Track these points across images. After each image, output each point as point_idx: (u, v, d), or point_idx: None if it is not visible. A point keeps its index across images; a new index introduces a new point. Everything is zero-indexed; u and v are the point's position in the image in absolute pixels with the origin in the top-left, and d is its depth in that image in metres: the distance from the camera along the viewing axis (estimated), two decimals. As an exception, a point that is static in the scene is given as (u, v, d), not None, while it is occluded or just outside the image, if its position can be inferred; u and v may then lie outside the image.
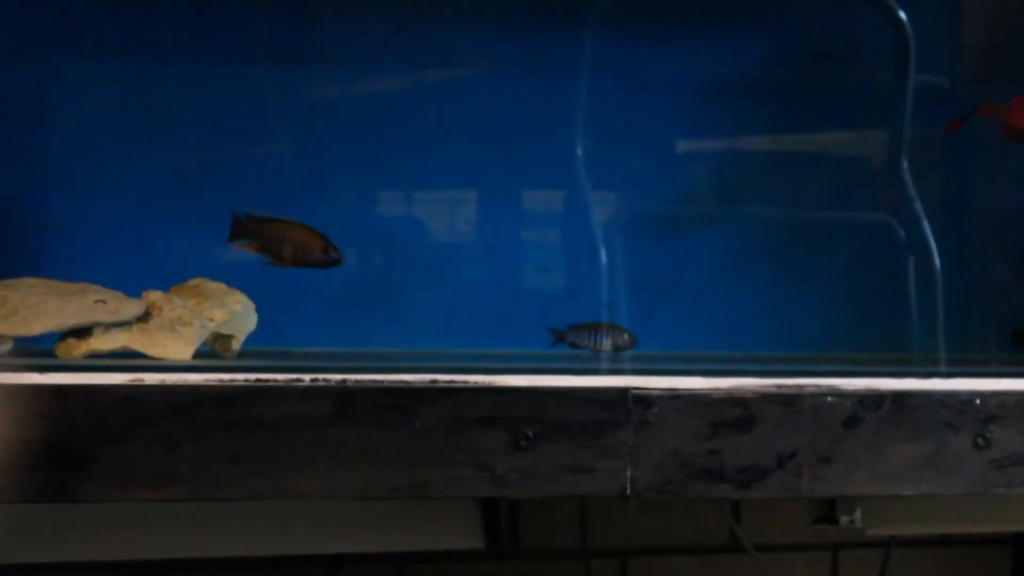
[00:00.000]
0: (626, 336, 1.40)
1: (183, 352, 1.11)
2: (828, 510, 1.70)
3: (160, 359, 1.10)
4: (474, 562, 1.63)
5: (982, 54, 1.69)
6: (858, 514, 1.69)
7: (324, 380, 0.93)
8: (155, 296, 1.14)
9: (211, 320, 1.16)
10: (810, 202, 1.63)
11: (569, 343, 1.39)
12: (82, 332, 1.10)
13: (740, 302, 1.59)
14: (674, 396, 0.98)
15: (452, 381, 0.95)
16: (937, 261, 1.58)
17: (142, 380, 0.91)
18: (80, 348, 1.10)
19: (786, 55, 1.63)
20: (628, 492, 0.97)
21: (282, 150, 1.52)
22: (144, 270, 1.43)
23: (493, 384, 0.95)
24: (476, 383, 0.95)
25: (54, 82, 1.47)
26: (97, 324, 1.09)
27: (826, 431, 1.00)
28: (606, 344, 1.39)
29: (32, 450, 0.88)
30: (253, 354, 1.23)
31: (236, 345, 1.21)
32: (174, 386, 0.91)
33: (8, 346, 1.09)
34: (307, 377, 0.93)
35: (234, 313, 1.18)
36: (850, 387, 1.01)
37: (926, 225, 1.58)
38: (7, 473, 0.88)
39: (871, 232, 1.62)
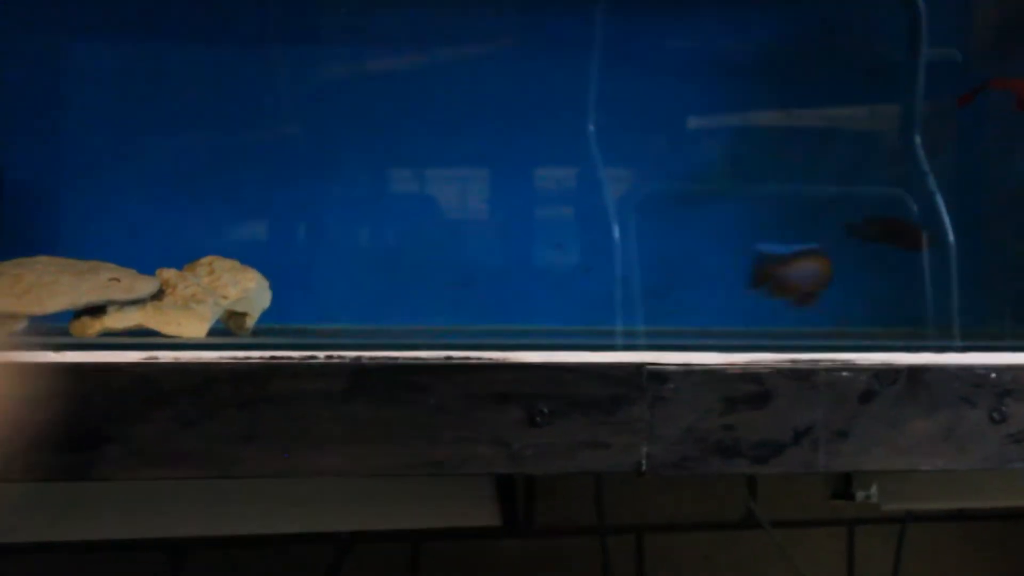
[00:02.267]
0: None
1: (197, 330, 1.11)
2: (844, 485, 1.70)
3: (174, 337, 1.10)
4: (490, 539, 1.63)
5: (995, 27, 1.69)
6: (874, 489, 1.69)
7: (339, 357, 0.93)
8: (169, 274, 1.14)
9: (225, 298, 1.16)
10: (823, 178, 1.63)
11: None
12: (96, 310, 1.10)
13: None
14: (689, 371, 0.98)
15: (467, 357, 0.95)
16: (951, 235, 1.57)
17: (156, 358, 0.91)
18: (94, 326, 1.10)
19: (797, 31, 1.62)
20: (643, 468, 0.97)
21: (293, 131, 1.52)
22: (156, 248, 1.44)
23: (508, 360, 0.95)
24: (491, 359, 0.95)
25: (63, 62, 1.47)
26: (111, 302, 1.10)
27: (842, 406, 1.00)
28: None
29: (47, 429, 0.88)
30: (267, 332, 1.23)
31: (250, 323, 1.21)
32: (188, 364, 0.91)
33: (22, 324, 1.09)
34: (321, 354, 0.93)
35: (248, 291, 1.18)
36: (865, 362, 1.01)
37: (940, 199, 1.58)
38: (22, 452, 0.88)
39: (885, 207, 1.62)
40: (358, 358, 0.93)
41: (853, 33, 1.63)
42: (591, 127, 1.54)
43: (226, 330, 1.21)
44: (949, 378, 1.02)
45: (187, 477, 0.91)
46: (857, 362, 1.01)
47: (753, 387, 0.99)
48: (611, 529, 1.66)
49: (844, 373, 1.00)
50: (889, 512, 1.72)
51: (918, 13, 1.59)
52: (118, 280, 1.10)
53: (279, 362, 0.92)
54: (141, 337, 1.08)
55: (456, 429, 0.94)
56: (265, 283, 1.20)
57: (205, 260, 1.19)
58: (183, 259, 1.19)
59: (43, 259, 1.10)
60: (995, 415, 1.02)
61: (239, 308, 1.19)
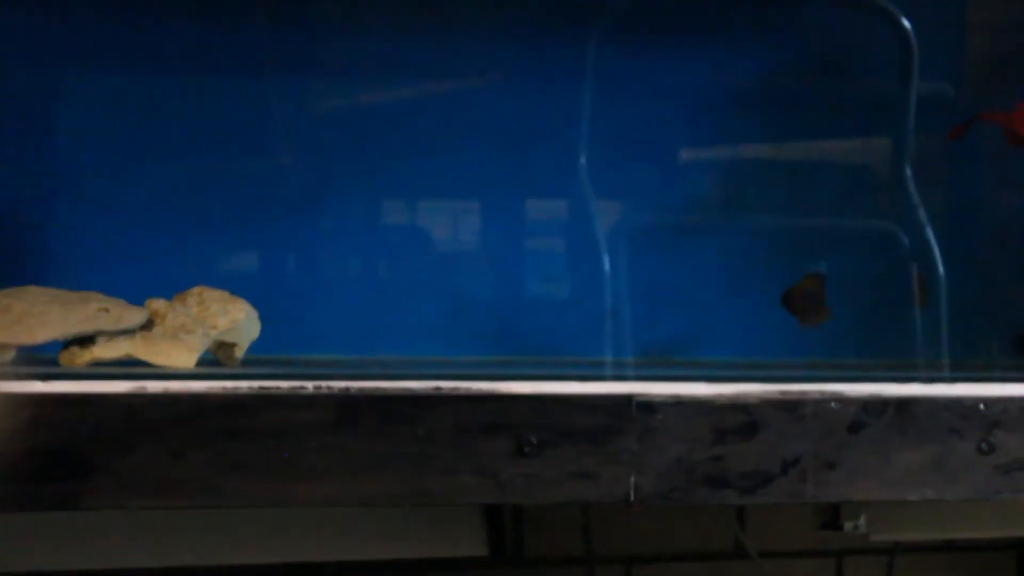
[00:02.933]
0: None
1: (186, 360, 1.11)
2: (832, 516, 1.70)
3: (163, 367, 1.10)
4: (478, 570, 1.63)
5: (986, 61, 1.69)
6: (862, 520, 1.69)
7: (327, 388, 0.93)
8: (158, 304, 1.14)
9: (214, 328, 1.16)
10: (814, 210, 1.63)
11: None
12: (85, 340, 1.10)
13: (744, 310, 1.59)
14: (678, 402, 0.98)
15: (456, 388, 0.95)
16: (941, 268, 1.57)
17: (145, 388, 0.91)
18: (83, 356, 1.10)
19: (790, 64, 1.63)
20: (632, 499, 0.97)
21: (285, 160, 1.52)
22: (145, 278, 1.43)
23: (497, 391, 0.95)
24: (480, 390, 0.95)
25: (57, 89, 1.47)
26: (100, 332, 1.10)
27: (830, 437, 1.00)
28: None
29: (36, 458, 0.88)
30: (256, 362, 1.23)
31: (239, 353, 1.21)
32: (177, 394, 0.91)
33: (11, 355, 1.09)
34: (310, 384, 0.93)
35: (237, 321, 1.18)
36: (854, 393, 1.01)
37: (930, 232, 1.58)
38: (11, 481, 0.88)
39: (875, 239, 1.62)
40: (347, 388, 0.93)
41: (844, 66, 1.64)
42: (582, 159, 1.54)
43: (215, 360, 1.21)
44: (938, 409, 1.02)
45: (175, 507, 0.91)
46: (846, 393, 1.01)
47: (742, 418, 0.99)
48: (600, 559, 1.66)
49: (833, 404, 1.00)
50: (877, 543, 1.72)
51: (910, 46, 1.59)
52: (107, 310, 1.10)
53: (268, 393, 0.92)
54: (130, 367, 1.08)
55: (445, 459, 0.94)
56: (254, 313, 1.20)
57: (194, 290, 1.19)
58: (172, 289, 1.19)
59: (32, 289, 1.10)
60: (983, 446, 1.03)
61: (228, 338, 1.19)
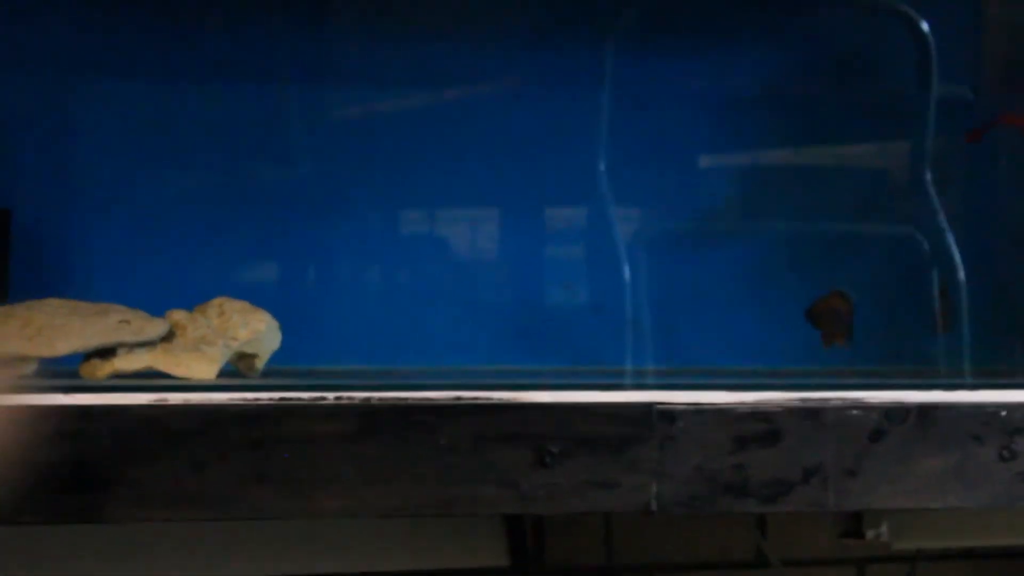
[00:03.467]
0: None
1: (207, 372, 1.11)
2: (854, 524, 1.70)
3: (184, 379, 1.10)
4: (499, 579, 1.63)
5: (1005, 64, 1.69)
6: (884, 528, 1.68)
7: (348, 398, 0.93)
8: (179, 316, 1.15)
9: (235, 339, 1.16)
10: (834, 215, 1.63)
11: None
12: (106, 352, 1.10)
13: (764, 317, 1.59)
14: (699, 411, 0.98)
15: (476, 398, 0.95)
16: (962, 273, 1.57)
17: (166, 400, 0.91)
18: (104, 368, 1.10)
19: (808, 68, 1.63)
20: (653, 507, 0.97)
21: (305, 169, 1.53)
22: (166, 290, 1.44)
23: (517, 400, 0.95)
24: (500, 400, 0.95)
25: (75, 98, 1.47)
26: (121, 344, 1.10)
27: (851, 444, 1.00)
28: None
29: (57, 471, 0.89)
30: (277, 373, 1.24)
31: (260, 364, 1.21)
32: (199, 406, 0.91)
33: (33, 367, 1.09)
34: (331, 395, 0.93)
35: (258, 332, 1.18)
36: (875, 400, 1.01)
37: (950, 236, 1.58)
38: (32, 494, 0.88)
39: (895, 244, 1.62)
40: (368, 399, 0.93)
41: (862, 70, 1.64)
42: (601, 165, 1.54)
43: (236, 372, 1.21)
44: (959, 416, 1.02)
45: (197, 519, 0.91)
46: (867, 400, 1.01)
47: (763, 426, 0.99)
48: (621, 569, 1.66)
49: (854, 411, 1.00)
50: (899, 551, 1.72)
51: (929, 49, 1.59)
52: (128, 322, 1.10)
53: (289, 403, 0.92)
54: (151, 379, 1.09)
55: (465, 469, 0.94)
56: (275, 324, 1.20)
57: (215, 302, 1.19)
58: (193, 301, 1.19)
59: (53, 302, 1.11)
60: (1005, 453, 1.02)
61: (249, 350, 1.19)
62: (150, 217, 1.47)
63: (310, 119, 1.53)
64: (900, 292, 1.62)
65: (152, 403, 0.91)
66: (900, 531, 1.69)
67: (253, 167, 1.51)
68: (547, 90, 1.56)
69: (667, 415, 0.97)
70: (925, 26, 1.59)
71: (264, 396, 0.92)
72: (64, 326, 1.07)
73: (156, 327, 1.11)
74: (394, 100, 1.55)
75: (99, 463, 0.89)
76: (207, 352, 1.12)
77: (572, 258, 1.59)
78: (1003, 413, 1.02)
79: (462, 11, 1.55)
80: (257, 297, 1.22)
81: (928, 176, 1.60)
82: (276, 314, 1.21)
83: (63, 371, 1.14)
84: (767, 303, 1.59)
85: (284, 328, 1.22)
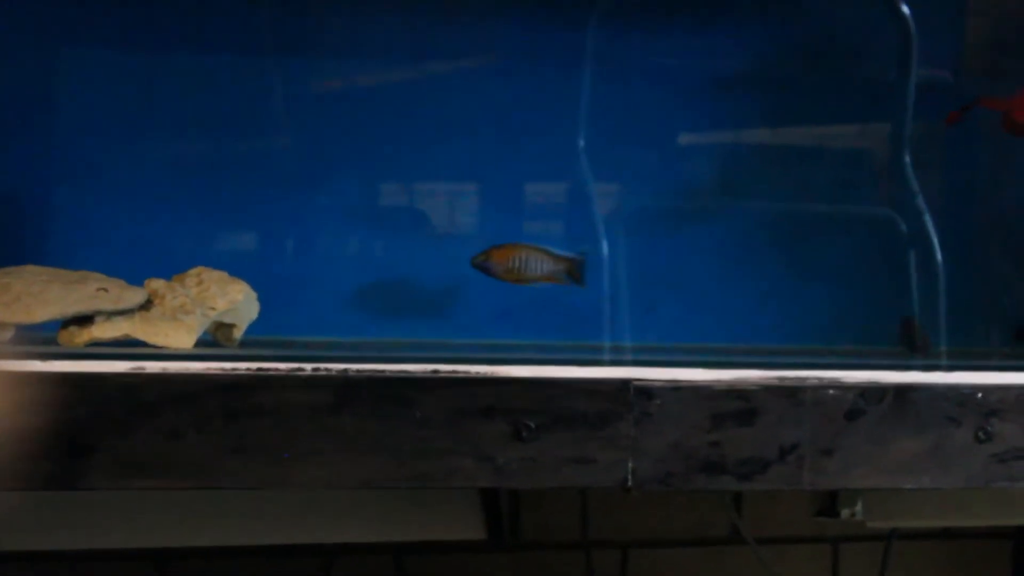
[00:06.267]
0: None
1: (185, 341, 1.11)
2: (829, 503, 1.70)
3: (162, 347, 1.10)
4: (474, 553, 1.63)
5: (986, 48, 1.69)
6: (859, 507, 1.69)
7: (325, 370, 0.93)
8: (157, 284, 1.14)
9: (213, 309, 1.16)
10: (812, 196, 1.63)
11: None
12: (84, 320, 1.10)
13: (743, 295, 1.59)
14: (676, 388, 0.98)
15: (454, 371, 0.95)
16: (939, 255, 1.57)
17: (144, 368, 0.91)
18: (82, 336, 1.10)
19: (788, 49, 1.63)
20: (629, 484, 0.97)
21: (284, 141, 1.52)
22: (144, 258, 1.43)
23: (495, 375, 0.95)
24: (478, 374, 0.95)
25: (55, 69, 1.47)
26: (99, 312, 1.10)
27: (828, 424, 1.00)
28: None
29: (34, 438, 0.88)
30: (255, 343, 1.23)
31: (238, 334, 1.21)
32: (176, 375, 0.91)
33: (10, 333, 1.09)
34: (308, 367, 0.93)
35: (236, 302, 1.18)
36: (852, 380, 1.01)
37: (928, 219, 1.58)
38: (9, 460, 0.88)
39: (873, 226, 1.62)
40: (345, 371, 0.93)
41: (844, 51, 1.64)
42: (581, 141, 1.54)
43: (214, 341, 1.21)
44: (935, 397, 1.02)
45: (174, 488, 0.91)
46: (844, 380, 1.01)
47: (740, 404, 0.99)
48: (596, 544, 1.66)
49: (831, 391, 1.00)
50: (874, 530, 1.72)
51: (909, 32, 1.59)
52: (106, 290, 1.10)
53: (266, 374, 0.92)
54: (129, 347, 1.08)
55: (442, 443, 0.94)
56: (253, 295, 1.20)
57: (193, 271, 1.19)
58: (171, 270, 1.19)
59: (31, 268, 1.10)
60: (981, 434, 1.03)
61: (227, 319, 1.19)
62: (129, 186, 1.47)
63: (290, 92, 1.52)
64: (878, 272, 1.62)
65: (129, 371, 0.90)
66: (875, 510, 1.69)
67: (233, 139, 1.50)
68: (529, 66, 1.56)
69: (644, 392, 0.97)
70: (906, 9, 1.59)
71: (241, 366, 0.92)
72: (42, 293, 1.07)
73: (134, 295, 1.11)
74: (374, 75, 1.55)
75: (76, 431, 0.89)
76: (185, 321, 1.12)
77: (551, 233, 1.59)
78: (979, 395, 1.03)
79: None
80: (235, 267, 1.21)
81: (908, 159, 1.60)
82: (254, 285, 1.21)
83: (41, 338, 1.14)
84: (747, 282, 1.59)
85: (262, 299, 1.21)
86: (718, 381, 0.99)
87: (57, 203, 1.46)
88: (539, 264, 1.35)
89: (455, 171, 1.56)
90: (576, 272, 1.37)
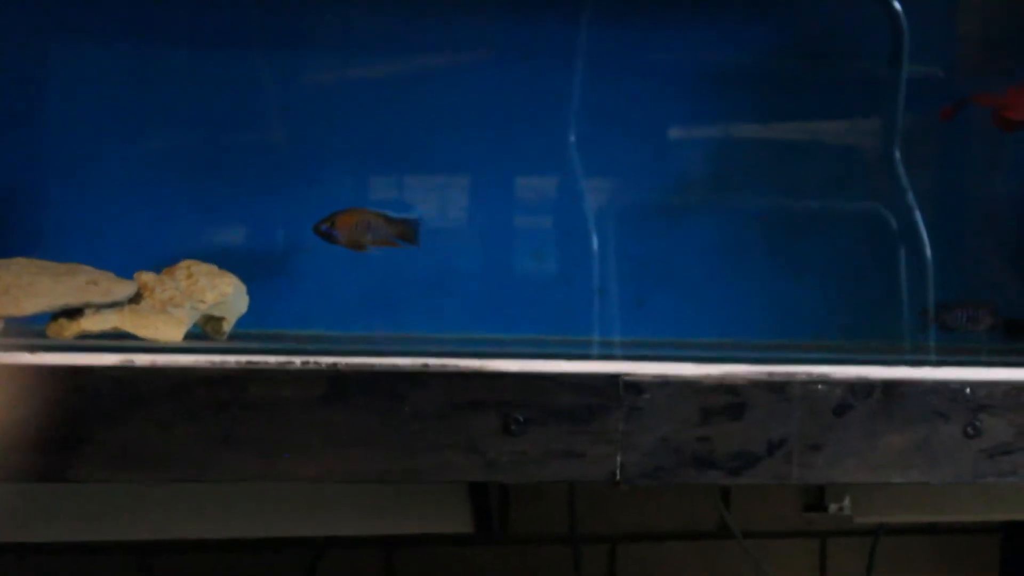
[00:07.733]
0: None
1: (174, 334, 1.11)
2: (817, 498, 1.71)
3: (151, 340, 1.10)
4: (463, 546, 1.63)
5: (978, 44, 1.69)
6: (847, 502, 1.69)
7: (315, 363, 0.93)
8: (147, 277, 1.14)
9: (202, 302, 1.16)
10: (804, 191, 1.63)
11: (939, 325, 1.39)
12: (73, 313, 1.10)
13: (733, 290, 1.59)
14: (665, 382, 0.98)
15: (444, 365, 0.95)
16: (929, 251, 1.57)
17: (133, 361, 0.91)
18: (71, 329, 1.10)
19: (781, 44, 1.63)
20: (618, 478, 0.97)
21: (274, 134, 1.52)
22: (134, 251, 1.43)
23: (484, 369, 0.96)
24: (467, 368, 0.95)
25: (44, 62, 1.47)
26: (88, 305, 1.10)
27: (816, 419, 1.00)
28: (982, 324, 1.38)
29: (23, 430, 0.88)
30: (244, 336, 1.23)
31: (227, 327, 1.21)
32: (165, 368, 0.91)
33: (-1, 326, 1.09)
34: (298, 360, 0.93)
35: (225, 295, 1.18)
36: (841, 375, 1.01)
37: (918, 215, 1.58)
38: (-2, 453, 0.88)
39: (864, 221, 1.62)
40: (335, 364, 0.93)
41: (834, 47, 1.64)
42: (572, 136, 1.54)
43: (203, 334, 1.21)
44: (924, 393, 1.02)
45: (163, 480, 0.91)
46: (832, 375, 1.01)
47: (729, 399, 0.99)
48: (584, 538, 1.66)
49: (819, 386, 1.01)
50: (862, 525, 1.72)
51: (900, 27, 1.59)
52: (96, 283, 1.10)
53: (256, 367, 0.92)
54: (118, 340, 1.08)
55: (432, 436, 0.94)
56: (242, 288, 1.20)
57: (183, 264, 1.19)
58: (161, 263, 1.19)
59: (21, 261, 1.10)
60: (969, 430, 1.03)
61: (216, 313, 1.19)
62: (119, 179, 1.46)
63: (281, 85, 1.52)
64: (868, 267, 1.62)
65: (119, 364, 0.90)
66: (863, 505, 1.70)
67: (223, 132, 1.50)
68: (521, 60, 1.56)
69: (634, 386, 0.97)
70: (898, 5, 1.60)
71: (231, 359, 0.92)
72: (32, 285, 1.07)
73: (124, 288, 1.11)
74: (367, 68, 1.55)
75: (65, 423, 0.89)
76: (174, 314, 1.12)
77: (543, 228, 1.59)
78: (968, 390, 1.03)
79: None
80: (225, 261, 1.21)
81: (898, 155, 1.60)
82: (244, 278, 1.21)
83: (30, 330, 1.14)
84: (737, 276, 1.59)
85: (251, 292, 1.21)
86: (707, 376, 0.99)
87: (46, 196, 1.46)
88: (379, 228, 1.35)
89: (445, 164, 1.56)
90: (411, 235, 1.37)
